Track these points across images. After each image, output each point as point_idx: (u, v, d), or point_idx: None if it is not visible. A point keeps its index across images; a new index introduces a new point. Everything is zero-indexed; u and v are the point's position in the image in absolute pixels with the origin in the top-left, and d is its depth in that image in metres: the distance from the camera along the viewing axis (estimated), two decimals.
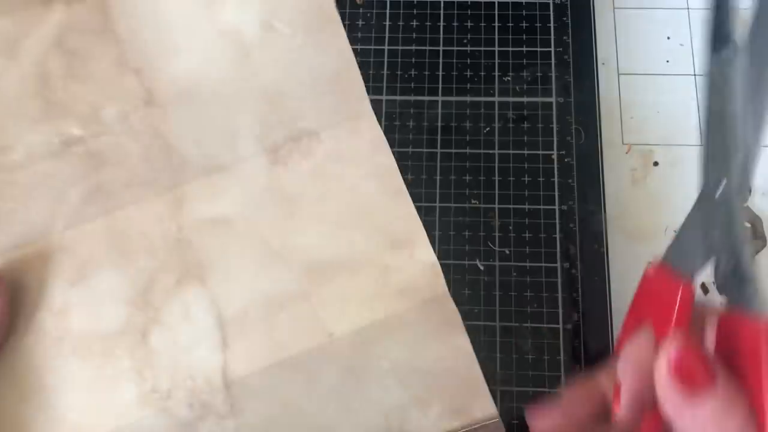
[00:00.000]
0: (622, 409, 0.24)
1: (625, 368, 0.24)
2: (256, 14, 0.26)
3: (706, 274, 0.35)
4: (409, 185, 0.28)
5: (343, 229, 0.27)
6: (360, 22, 0.47)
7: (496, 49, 0.46)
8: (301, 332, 0.26)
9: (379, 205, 0.28)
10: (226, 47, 0.27)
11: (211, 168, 0.27)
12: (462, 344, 0.27)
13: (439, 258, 0.28)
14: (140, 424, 0.25)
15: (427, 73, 0.45)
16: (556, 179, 0.43)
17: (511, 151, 0.43)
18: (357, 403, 0.26)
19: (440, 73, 0.45)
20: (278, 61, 0.27)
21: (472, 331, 0.27)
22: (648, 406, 0.23)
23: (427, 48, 0.46)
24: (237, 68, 0.27)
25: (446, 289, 0.27)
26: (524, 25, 0.46)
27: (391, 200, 0.28)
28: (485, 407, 0.26)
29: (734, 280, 0.22)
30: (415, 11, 0.47)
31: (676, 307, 0.23)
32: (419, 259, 0.27)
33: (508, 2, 0.47)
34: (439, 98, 0.45)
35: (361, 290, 0.27)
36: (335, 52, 0.28)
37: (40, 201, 0.26)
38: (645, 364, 0.23)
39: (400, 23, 0.47)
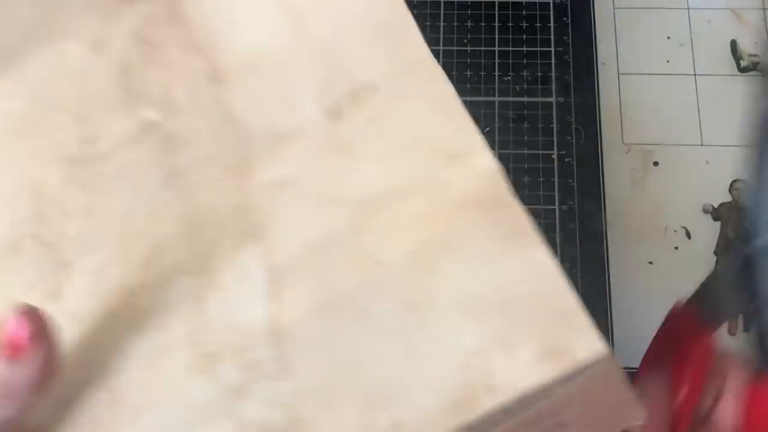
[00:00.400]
0: None
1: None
2: None
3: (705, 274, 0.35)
4: None
5: (397, 158, 0.25)
6: None
7: (496, 49, 0.46)
8: (351, 267, 0.24)
9: (436, 127, 0.25)
10: (282, 15, 0.27)
11: (276, 137, 0.26)
12: (541, 258, 0.22)
13: None
14: (190, 392, 0.24)
15: None
16: (556, 179, 0.43)
17: (511, 151, 0.43)
18: (424, 348, 0.22)
19: None
20: (330, 20, 0.27)
21: None
22: None
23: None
24: (292, 33, 0.27)
25: (511, 192, 0.23)
26: (524, 25, 0.46)
27: (449, 119, 0.25)
28: (590, 343, 0.21)
29: (762, 345, 0.21)
30: (415, 11, 0.47)
31: (697, 357, 0.22)
32: (477, 166, 0.24)
33: (508, 2, 0.47)
34: None
35: (414, 211, 0.24)
36: (383, 2, 0.27)
37: (121, 191, 0.26)
38: (660, 412, 0.23)
39: None
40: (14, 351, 0.22)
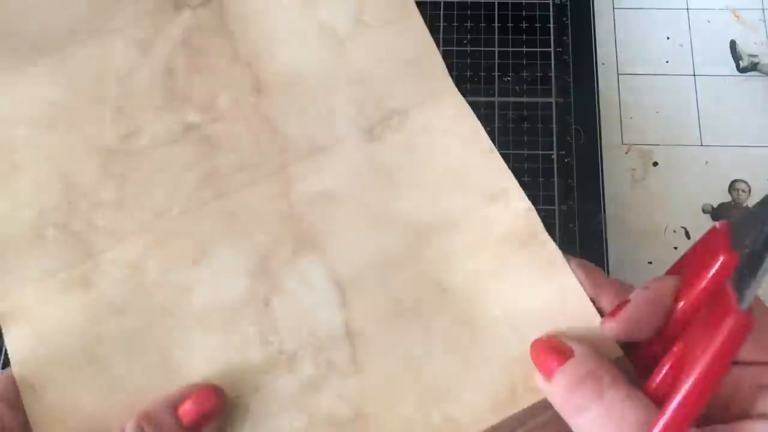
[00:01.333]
0: (614, 323, 0.25)
1: (640, 293, 0.25)
2: (348, 11, 0.30)
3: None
4: None
5: (442, 191, 0.29)
6: None
7: (496, 49, 0.46)
8: (414, 288, 0.27)
9: (472, 166, 0.29)
10: (324, 41, 0.30)
11: (313, 149, 0.29)
12: (569, 284, 0.27)
13: None
14: (268, 386, 0.26)
15: None
16: (556, 179, 0.43)
17: (511, 151, 0.43)
18: (476, 356, 0.26)
19: None
20: (368, 50, 0.30)
21: None
22: (641, 334, 0.24)
23: None
24: (334, 58, 0.30)
25: (543, 229, 0.28)
26: (524, 25, 0.46)
27: (482, 159, 0.29)
28: (608, 347, 0.25)
29: (748, 273, 0.22)
30: None
31: (712, 270, 0.23)
32: (515, 207, 0.29)
33: (508, 2, 0.47)
34: None
35: (466, 243, 0.28)
36: (415, 39, 0.30)
37: (158, 186, 0.28)
38: (659, 297, 0.24)
39: None
40: (195, 424, 0.24)
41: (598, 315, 0.26)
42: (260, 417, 0.26)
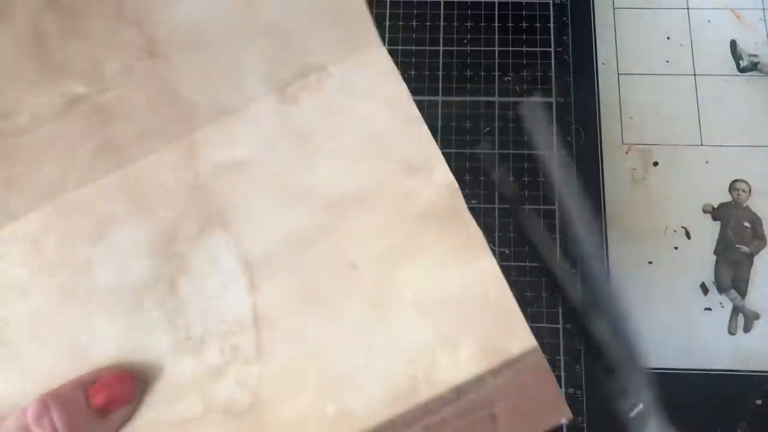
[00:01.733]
0: None
1: None
2: None
3: (705, 273, 0.35)
4: None
5: (360, 161, 0.27)
6: None
7: (496, 49, 0.46)
8: (326, 267, 0.26)
9: (394, 134, 0.27)
10: None
11: (221, 111, 0.27)
12: (488, 267, 0.25)
13: None
14: (174, 372, 0.25)
15: (427, 73, 0.45)
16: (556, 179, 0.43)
17: (511, 151, 0.43)
18: (380, 343, 0.25)
19: (440, 73, 0.45)
20: None
21: None
22: None
23: (427, 48, 0.46)
24: (240, 8, 0.26)
25: (465, 207, 0.26)
26: (524, 25, 0.46)
27: (406, 127, 0.27)
28: (523, 339, 0.24)
29: None
30: (415, 11, 0.47)
31: None
32: (437, 181, 0.26)
33: (508, 2, 0.47)
34: (439, 98, 0.45)
35: (381, 219, 0.26)
36: None
37: (49, 163, 0.26)
38: None
39: (400, 23, 0.47)
40: (103, 407, 0.24)
41: (516, 303, 0.25)
42: (161, 404, 0.25)
